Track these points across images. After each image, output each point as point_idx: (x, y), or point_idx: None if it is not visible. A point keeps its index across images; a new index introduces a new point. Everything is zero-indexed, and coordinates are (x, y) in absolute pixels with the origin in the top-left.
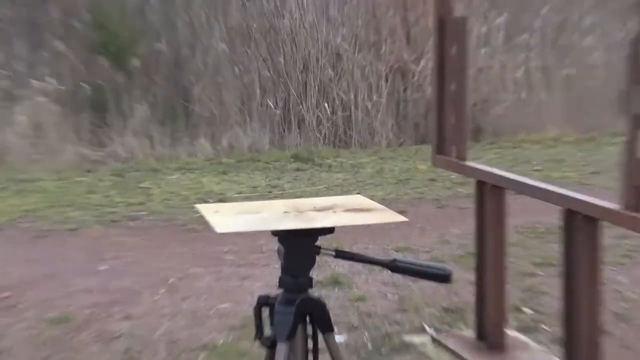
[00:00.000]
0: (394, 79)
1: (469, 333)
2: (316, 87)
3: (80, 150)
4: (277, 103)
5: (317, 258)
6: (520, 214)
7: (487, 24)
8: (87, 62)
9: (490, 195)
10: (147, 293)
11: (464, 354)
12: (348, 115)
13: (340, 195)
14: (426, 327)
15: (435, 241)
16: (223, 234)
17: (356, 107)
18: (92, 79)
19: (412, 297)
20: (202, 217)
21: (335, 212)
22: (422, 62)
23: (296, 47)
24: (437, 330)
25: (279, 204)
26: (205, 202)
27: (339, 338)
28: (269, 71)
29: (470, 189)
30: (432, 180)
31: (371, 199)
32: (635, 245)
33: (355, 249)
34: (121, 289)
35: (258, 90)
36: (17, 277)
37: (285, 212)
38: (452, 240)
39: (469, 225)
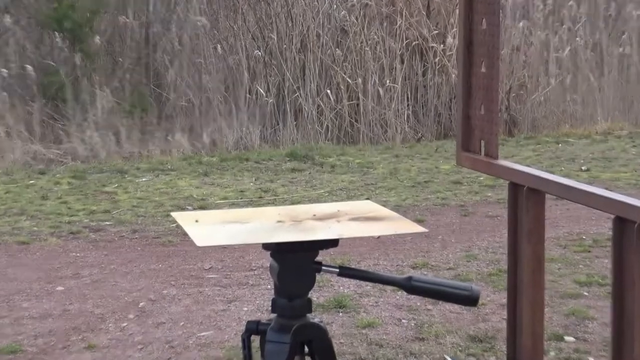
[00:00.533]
0: (412, 60)
1: None
2: (317, 70)
3: (31, 148)
4: (269, 90)
5: (318, 276)
6: (563, 224)
7: None
8: (38, 40)
9: (526, 201)
10: (113, 319)
11: None
12: (355, 104)
13: (346, 200)
14: (448, 359)
15: (460, 256)
16: (204, 247)
17: (365, 95)
18: (43, 60)
19: (432, 323)
20: (179, 227)
21: (339, 221)
22: (448, 39)
23: (292, 21)
24: None
25: (272, 212)
26: (183, 209)
27: None
28: (260, 50)
29: (502, 193)
30: (457, 183)
31: (383, 205)
32: None
33: (363, 266)
34: (82, 314)
35: (246, 74)
36: None
37: (280, 221)
38: (480, 255)
39: (501, 237)
